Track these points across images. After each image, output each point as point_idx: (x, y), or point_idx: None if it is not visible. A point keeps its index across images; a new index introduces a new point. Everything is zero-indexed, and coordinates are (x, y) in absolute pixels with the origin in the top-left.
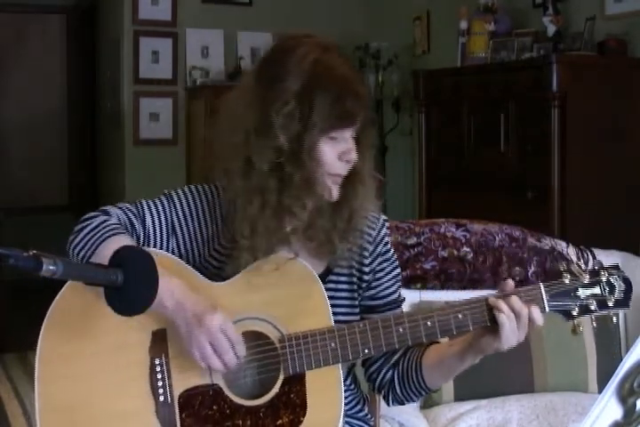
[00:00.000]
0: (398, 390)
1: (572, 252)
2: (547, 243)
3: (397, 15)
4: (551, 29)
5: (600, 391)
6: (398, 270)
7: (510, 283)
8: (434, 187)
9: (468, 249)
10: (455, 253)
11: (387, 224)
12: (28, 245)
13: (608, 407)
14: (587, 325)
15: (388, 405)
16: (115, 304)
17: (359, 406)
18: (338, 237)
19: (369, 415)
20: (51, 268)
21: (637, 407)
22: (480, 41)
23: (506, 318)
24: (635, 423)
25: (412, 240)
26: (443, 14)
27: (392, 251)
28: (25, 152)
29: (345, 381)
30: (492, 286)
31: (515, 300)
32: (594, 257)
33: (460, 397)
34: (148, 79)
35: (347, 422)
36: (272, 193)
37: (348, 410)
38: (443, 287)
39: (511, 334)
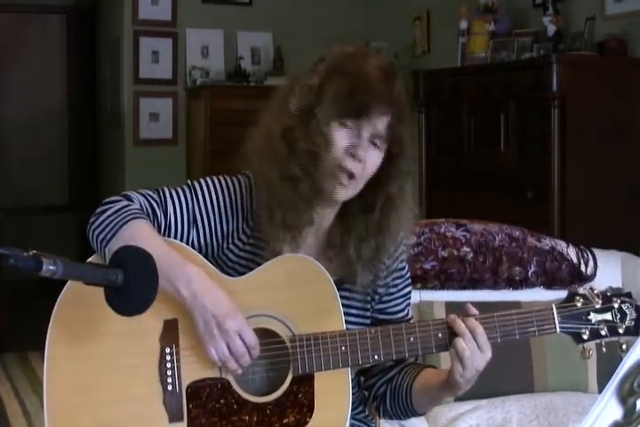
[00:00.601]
0: (388, 406)
1: (571, 252)
2: (547, 243)
3: (397, 15)
4: (551, 29)
5: (600, 391)
6: (410, 288)
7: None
8: (434, 187)
9: (467, 249)
10: (455, 253)
11: (404, 241)
12: (28, 245)
13: (608, 407)
14: None
15: (379, 417)
16: (114, 304)
17: (360, 408)
18: (361, 266)
19: (370, 417)
20: (51, 268)
21: (637, 407)
22: (480, 41)
23: (463, 339)
24: (635, 423)
25: (412, 240)
26: (443, 14)
27: (407, 268)
28: (25, 152)
29: None
30: (492, 285)
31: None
32: (594, 257)
33: (460, 397)
34: (148, 79)
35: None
36: (282, 158)
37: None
38: (443, 287)
39: (465, 368)
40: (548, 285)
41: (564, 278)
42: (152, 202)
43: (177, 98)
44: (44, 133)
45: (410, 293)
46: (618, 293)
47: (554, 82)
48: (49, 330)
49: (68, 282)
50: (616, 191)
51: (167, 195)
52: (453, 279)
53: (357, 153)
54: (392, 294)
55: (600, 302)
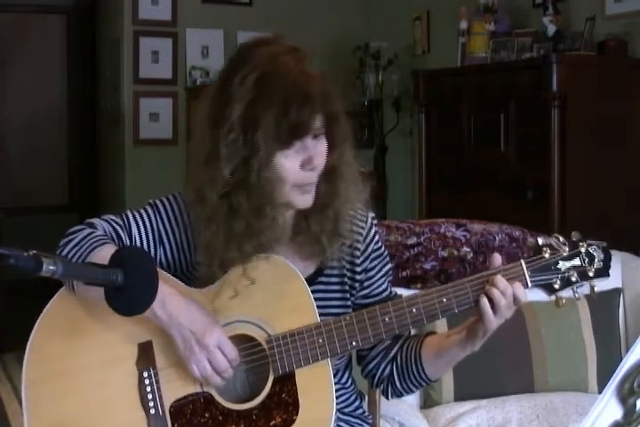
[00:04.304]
0: (398, 384)
1: None
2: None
3: (397, 15)
4: (551, 29)
5: (600, 391)
6: (389, 266)
7: (497, 257)
8: (434, 187)
9: (467, 249)
10: (455, 253)
11: (375, 221)
12: (27, 245)
13: (608, 407)
14: (586, 325)
15: (387, 398)
16: (115, 304)
17: (356, 404)
18: (327, 238)
19: (366, 413)
20: (51, 268)
21: (637, 407)
22: (480, 41)
23: (492, 298)
24: (635, 423)
25: (412, 240)
26: (443, 14)
27: (383, 247)
28: (25, 152)
29: (341, 379)
30: None
31: (499, 279)
32: None
33: (460, 397)
34: (148, 79)
35: (344, 421)
36: (221, 221)
37: (344, 408)
38: None
39: (498, 314)
40: None
41: None
42: (115, 226)
43: (177, 98)
44: (43, 133)
45: (390, 270)
46: (583, 238)
47: (554, 82)
48: (24, 371)
49: (38, 320)
50: (616, 191)
51: (130, 217)
52: (453, 279)
53: (313, 166)
54: (372, 277)
55: (567, 249)
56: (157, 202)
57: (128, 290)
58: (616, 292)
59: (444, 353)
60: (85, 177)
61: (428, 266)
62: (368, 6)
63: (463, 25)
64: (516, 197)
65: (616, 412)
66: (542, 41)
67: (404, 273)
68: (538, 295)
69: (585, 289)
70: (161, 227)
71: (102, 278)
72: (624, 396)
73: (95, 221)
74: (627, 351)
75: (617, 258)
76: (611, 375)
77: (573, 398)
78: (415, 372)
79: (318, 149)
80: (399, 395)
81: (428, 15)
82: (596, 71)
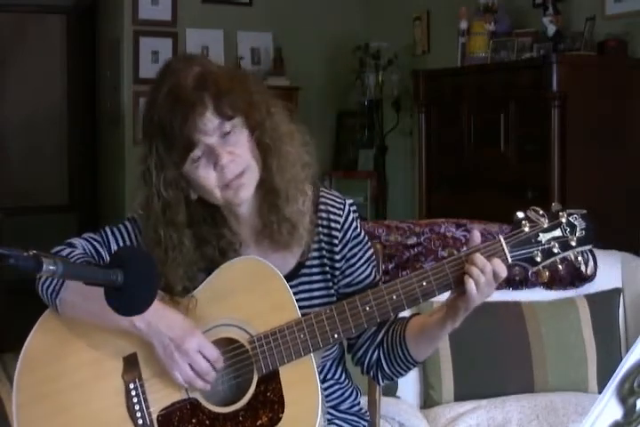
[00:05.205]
0: (386, 368)
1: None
2: None
3: (397, 15)
4: (551, 29)
5: (600, 391)
6: (371, 252)
7: (477, 234)
8: (434, 187)
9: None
10: (455, 253)
11: (353, 208)
12: (27, 245)
13: (608, 407)
14: (586, 325)
15: (379, 384)
16: (115, 305)
17: (351, 400)
18: (283, 227)
19: (363, 410)
20: (51, 268)
21: (637, 407)
22: (480, 41)
23: (471, 277)
24: (635, 423)
25: (412, 240)
26: (443, 14)
27: (362, 234)
28: (25, 152)
29: (334, 375)
30: None
31: (477, 257)
32: (594, 257)
33: (460, 397)
34: (148, 79)
35: (341, 419)
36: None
37: (339, 404)
38: None
39: (479, 292)
40: (548, 285)
41: (563, 278)
42: (94, 243)
43: None
44: (43, 133)
45: (372, 256)
46: (563, 208)
47: (554, 82)
48: (14, 395)
49: (25, 344)
50: (616, 191)
51: (109, 233)
52: None
53: (220, 164)
54: (353, 264)
55: (547, 220)
56: (136, 216)
57: (128, 290)
58: (616, 292)
59: (426, 332)
60: (85, 177)
61: (427, 266)
62: (368, 6)
63: (463, 25)
64: (515, 197)
65: (616, 412)
66: (542, 41)
67: (404, 273)
68: (538, 295)
69: (585, 289)
70: (140, 240)
71: (102, 278)
72: (624, 396)
73: (74, 240)
74: (627, 351)
75: (617, 258)
76: (611, 375)
77: (573, 398)
78: (401, 354)
79: (226, 145)
80: (390, 379)
81: (428, 15)
82: (596, 71)
